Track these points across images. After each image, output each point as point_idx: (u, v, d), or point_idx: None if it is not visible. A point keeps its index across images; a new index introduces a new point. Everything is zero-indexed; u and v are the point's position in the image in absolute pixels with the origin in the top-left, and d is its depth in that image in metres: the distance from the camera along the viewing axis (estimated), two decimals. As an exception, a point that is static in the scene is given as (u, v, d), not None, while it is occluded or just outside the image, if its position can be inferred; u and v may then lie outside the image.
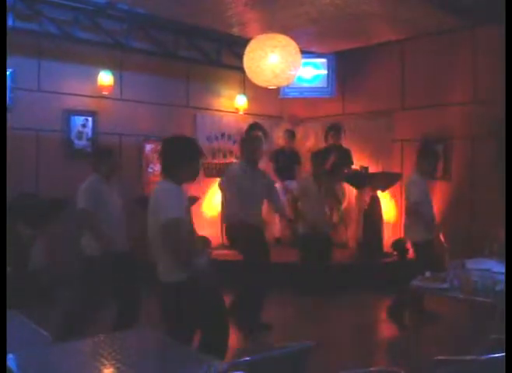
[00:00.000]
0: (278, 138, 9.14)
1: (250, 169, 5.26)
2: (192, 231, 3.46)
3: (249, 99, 8.85)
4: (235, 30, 7.70)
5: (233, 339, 5.20)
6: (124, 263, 4.43)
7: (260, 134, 5.62)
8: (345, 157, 8.27)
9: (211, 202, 8.51)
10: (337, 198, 7.95)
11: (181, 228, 3.20)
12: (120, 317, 4.41)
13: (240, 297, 5.26)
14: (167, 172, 3.41)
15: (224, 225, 5.64)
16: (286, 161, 8.57)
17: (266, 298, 5.30)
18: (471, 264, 4.14)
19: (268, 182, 5.53)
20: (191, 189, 7.81)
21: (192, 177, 3.48)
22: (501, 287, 3.64)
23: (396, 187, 7.83)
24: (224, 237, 5.60)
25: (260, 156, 5.40)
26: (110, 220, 4.46)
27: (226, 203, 5.63)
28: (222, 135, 8.76)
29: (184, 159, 3.40)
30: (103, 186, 4.55)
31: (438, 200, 7.49)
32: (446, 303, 5.26)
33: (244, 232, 5.10)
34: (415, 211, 5.40)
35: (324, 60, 8.80)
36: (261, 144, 5.34)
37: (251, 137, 5.58)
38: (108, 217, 4.45)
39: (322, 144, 8.85)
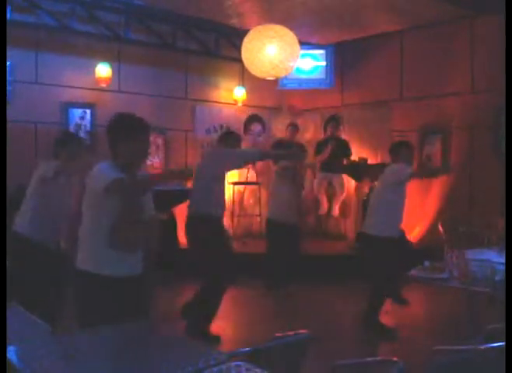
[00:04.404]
0: (277, 129, 9.13)
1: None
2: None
3: (247, 91, 8.82)
4: (233, 21, 7.67)
5: (233, 330, 5.25)
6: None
7: (236, 133, 5.30)
8: (344, 148, 8.27)
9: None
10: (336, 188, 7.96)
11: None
12: None
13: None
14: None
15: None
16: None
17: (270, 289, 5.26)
18: (470, 254, 4.15)
19: None
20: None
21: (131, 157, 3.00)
22: (500, 277, 3.65)
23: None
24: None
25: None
26: (58, 212, 4.22)
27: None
28: (221, 127, 8.74)
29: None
30: (54, 174, 4.11)
31: (437, 190, 7.51)
32: (445, 293, 5.28)
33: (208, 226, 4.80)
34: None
35: (322, 51, 8.77)
36: (239, 143, 5.14)
37: (230, 134, 5.24)
38: (55, 209, 4.20)
39: (321, 136, 8.86)
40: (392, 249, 4.84)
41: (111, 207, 2.88)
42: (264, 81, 6.69)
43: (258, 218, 8.64)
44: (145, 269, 3.08)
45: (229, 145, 5.01)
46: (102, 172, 2.89)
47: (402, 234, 5.41)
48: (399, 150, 5.09)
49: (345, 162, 8.24)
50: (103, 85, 7.45)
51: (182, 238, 5.67)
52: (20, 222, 4.26)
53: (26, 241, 4.18)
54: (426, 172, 6.93)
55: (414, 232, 7.63)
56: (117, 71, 7.63)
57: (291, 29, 5.80)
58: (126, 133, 3.00)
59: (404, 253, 5.12)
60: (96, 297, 2.90)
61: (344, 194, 8.34)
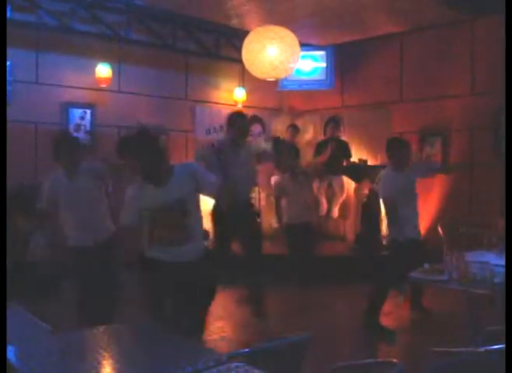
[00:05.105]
0: (277, 130, 9.12)
1: (234, 148, 5.01)
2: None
3: (248, 92, 8.82)
4: (234, 22, 7.67)
5: (233, 330, 5.25)
6: (91, 255, 4.17)
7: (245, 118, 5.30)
8: (344, 149, 8.27)
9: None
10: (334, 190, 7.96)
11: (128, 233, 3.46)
12: None
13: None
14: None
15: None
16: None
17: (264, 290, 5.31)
18: (470, 256, 4.14)
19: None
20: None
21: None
22: (500, 279, 3.65)
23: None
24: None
25: (243, 135, 5.22)
26: (75, 214, 4.21)
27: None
28: (221, 128, 8.72)
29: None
30: (65, 180, 4.23)
31: (436, 192, 7.51)
32: (444, 295, 5.28)
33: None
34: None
35: (322, 52, 8.78)
36: (246, 124, 5.21)
37: (235, 117, 5.28)
38: (72, 212, 4.21)
39: (321, 137, 8.85)
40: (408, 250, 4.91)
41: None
42: (264, 82, 6.70)
43: (258, 219, 8.61)
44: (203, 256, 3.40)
45: (236, 130, 5.08)
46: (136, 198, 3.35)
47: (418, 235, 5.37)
48: (393, 148, 5.10)
49: (344, 163, 8.25)
50: (104, 86, 7.44)
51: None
52: None
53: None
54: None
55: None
56: (117, 72, 7.63)
57: (291, 30, 5.82)
58: (137, 156, 3.25)
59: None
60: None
61: (343, 196, 8.34)
